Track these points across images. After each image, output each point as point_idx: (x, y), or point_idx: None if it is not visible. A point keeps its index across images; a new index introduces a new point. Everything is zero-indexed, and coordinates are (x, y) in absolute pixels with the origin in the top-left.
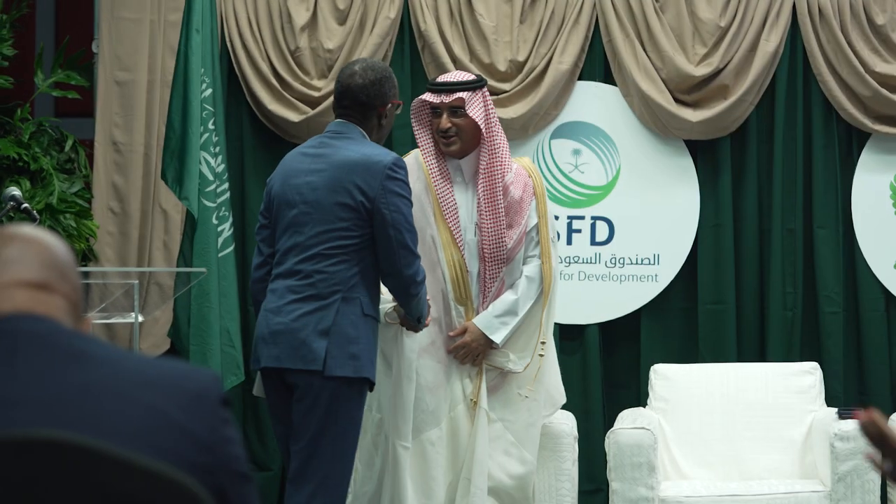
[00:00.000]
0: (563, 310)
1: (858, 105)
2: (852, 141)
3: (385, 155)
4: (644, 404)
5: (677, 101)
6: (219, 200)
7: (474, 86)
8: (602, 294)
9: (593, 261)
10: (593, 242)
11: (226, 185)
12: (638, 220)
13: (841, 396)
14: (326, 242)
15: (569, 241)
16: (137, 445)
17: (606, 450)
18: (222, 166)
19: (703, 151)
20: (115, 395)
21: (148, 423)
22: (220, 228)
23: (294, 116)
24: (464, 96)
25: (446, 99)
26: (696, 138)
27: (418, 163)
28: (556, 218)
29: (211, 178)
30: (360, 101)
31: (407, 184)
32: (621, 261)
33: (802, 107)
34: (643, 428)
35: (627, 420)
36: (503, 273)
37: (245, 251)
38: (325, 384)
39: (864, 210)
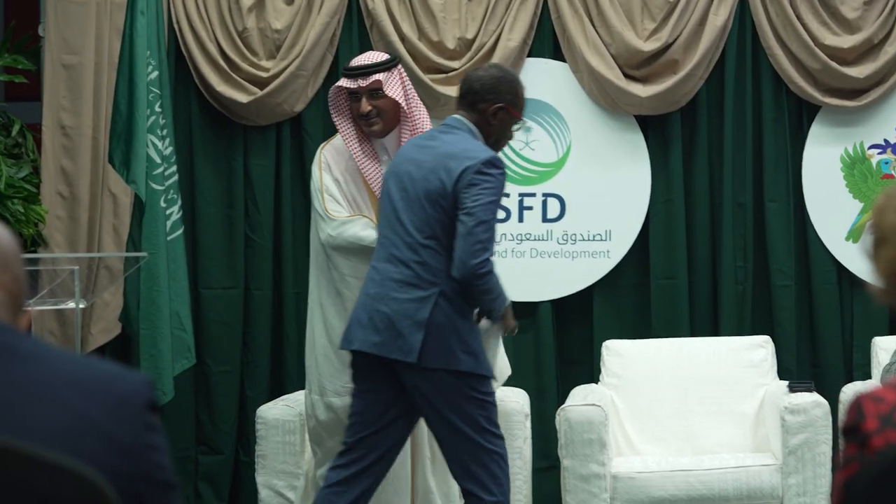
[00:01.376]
0: (515, 287)
1: (808, 78)
2: (802, 114)
3: (482, 151)
4: (597, 380)
5: (627, 76)
6: (167, 183)
7: (389, 65)
8: (554, 271)
9: (545, 238)
10: (545, 219)
11: (174, 168)
12: (589, 196)
13: (793, 370)
14: (423, 232)
15: (520, 219)
16: (60, 449)
17: (557, 427)
18: (170, 149)
19: (653, 127)
20: (41, 395)
21: (71, 426)
22: (168, 212)
23: (243, 97)
24: (381, 78)
25: (363, 83)
26: (646, 113)
27: (338, 149)
28: (508, 195)
29: (158, 160)
30: (472, 90)
31: (500, 184)
32: (573, 237)
33: (752, 81)
34: (594, 405)
35: (578, 397)
36: None
37: (195, 234)
38: (424, 375)
39: (815, 183)
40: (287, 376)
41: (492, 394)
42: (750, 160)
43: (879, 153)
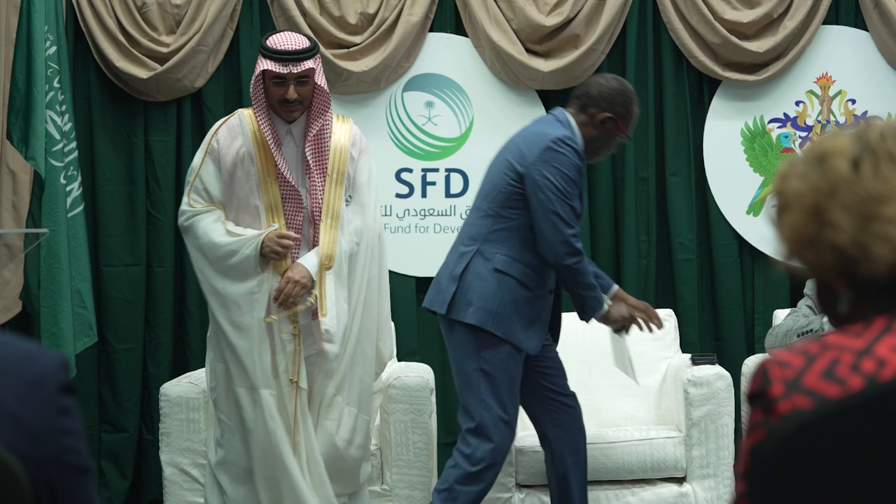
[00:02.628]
0: (419, 263)
1: (708, 52)
2: (703, 88)
3: (556, 130)
4: None
5: (529, 51)
6: (67, 160)
7: (316, 51)
8: None
9: (448, 213)
10: (448, 195)
11: (73, 145)
12: None
13: (696, 343)
14: (485, 200)
15: (423, 194)
16: None
17: None
18: (69, 125)
19: (555, 101)
20: None
21: None
22: (68, 188)
23: (142, 73)
24: (312, 66)
25: (294, 69)
26: (548, 88)
27: (243, 126)
28: (411, 171)
29: (58, 137)
30: (588, 94)
31: (572, 163)
32: None
33: (653, 55)
34: None
35: None
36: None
37: (96, 211)
38: (451, 326)
39: (716, 157)
40: (190, 353)
41: (504, 368)
42: (652, 134)
43: (779, 127)
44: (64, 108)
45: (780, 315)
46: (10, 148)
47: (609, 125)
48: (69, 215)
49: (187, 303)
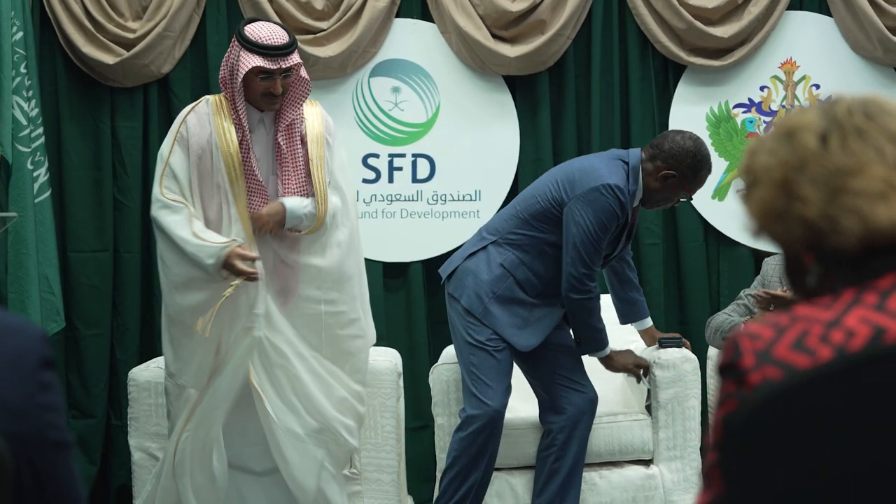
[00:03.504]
0: (386, 248)
1: (673, 38)
2: (668, 73)
3: (612, 175)
4: None
5: (495, 36)
6: (34, 145)
7: (296, 43)
8: (425, 231)
9: (415, 198)
10: (415, 180)
11: (40, 130)
12: (458, 156)
13: (662, 326)
14: (522, 203)
15: (390, 179)
16: None
17: (431, 385)
18: (36, 110)
19: (521, 87)
20: None
21: None
22: (35, 174)
23: (109, 59)
24: (299, 60)
25: (284, 63)
26: (514, 74)
27: (201, 118)
28: (378, 156)
29: (25, 122)
30: (661, 145)
31: (611, 211)
32: (443, 197)
33: (619, 40)
34: None
35: (451, 354)
36: None
37: (63, 196)
38: (451, 299)
39: None
40: (157, 339)
41: (485, 345)
42: (617, 120)
43: (744, 112)
44: (31, 93)
45: None
46: None
47: (672, 182)
48: (36, 201)
49: (154, 288)
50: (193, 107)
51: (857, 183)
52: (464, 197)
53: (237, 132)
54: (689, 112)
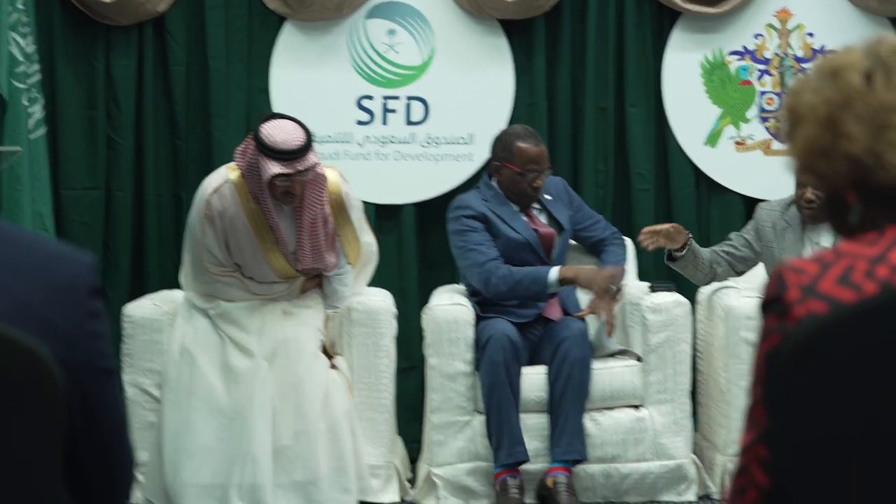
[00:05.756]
0: (379, 190)
1: None
2: (663, 20)
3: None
4: (458, 282)
5: None
6: (29, 82)
7: (312, 141)
8: (417, 174)
9: (409, 140)
10: (409, 122)
11: (36, 67)
12: (453, 100)
13: (652, 271)
14: None
15: (384, 122)
16: None
17: (424, 326)
18: (32, 47)
19: (517, 31)
20: None
21: (9, 312)
22: (30, 110)
23: None
24: (315, 160)
25: (301, 166)
26: (510, 17)
27: (224, 197)
28: (372, 98)
29: (21, 58)
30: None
31: (455, 228)
32: (436, 140)
33: None
34: (460, 304)
35: (445, 297)
36: None
37: (56, 134)
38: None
39: (675, 89)
40: (147, 277)
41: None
42: (612, 65)
43: (738, 60)
44: (27, 30)
45: None
46: None
47: (503, 170)
48: (31, 137)
49: (146, 227)
50: (216, 189)
51: None
52: (457, 140)
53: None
54: (683, 59)
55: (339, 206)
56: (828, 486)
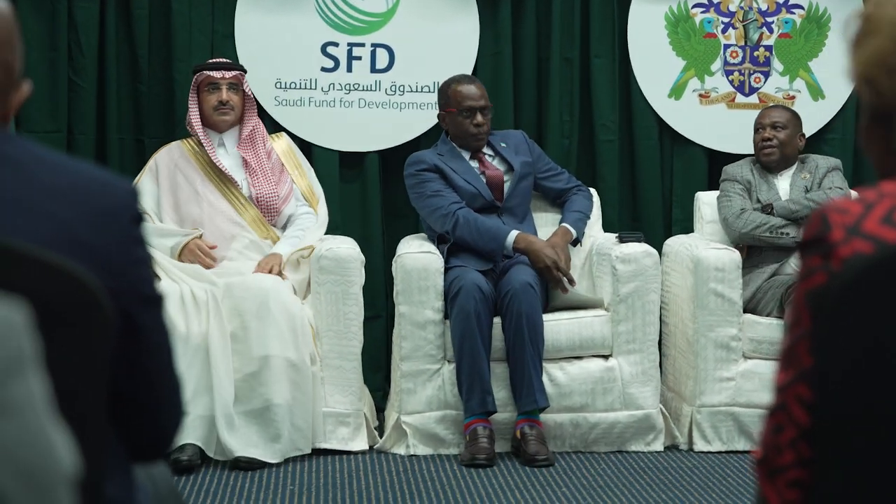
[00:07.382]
0: (343, 137)
1: None
2: None
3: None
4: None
5: None
6: None
7: (244, 70)
8: (382, 121)
9: (373, 88)
10: (373, 70)
11: None
12: (418, 47)
13: (616, 223)
14: None
15: (349, 69)
16: None
17: (393, 274)
18: None
19: None
20: (24, 208)
21: (53, 239)
22: None
23: None
24: (240, 75)
25: (227, 74)
26: None
27: (170, 150)
28: (337, 45)
29: None
30: None
31: (409, 182)
32: (401, 88)
33: None
34: (430, 252)
35: (414, 244)
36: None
37: None
38: None
39: (640, 40)
40: None
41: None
42: (577, 15)
43: (703, 12)
44: None
45: (702, 197)
46: None
47: (448, 119)
48: None
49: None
50: (168, 147)
51: None
52: (422, 88)
53: (213, 148)
54: (647, 10)
55: (289, 153)
56: (875, 423)
